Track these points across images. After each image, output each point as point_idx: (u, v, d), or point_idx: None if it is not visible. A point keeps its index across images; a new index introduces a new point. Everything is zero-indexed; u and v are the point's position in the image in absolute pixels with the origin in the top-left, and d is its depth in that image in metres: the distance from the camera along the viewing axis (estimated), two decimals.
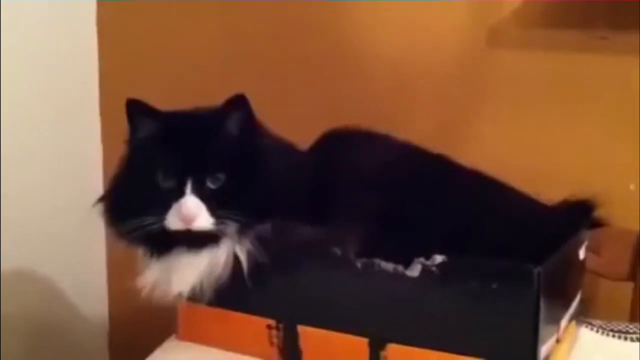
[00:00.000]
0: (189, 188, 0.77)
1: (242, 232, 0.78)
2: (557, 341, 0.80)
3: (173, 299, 0.82)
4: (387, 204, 0.83)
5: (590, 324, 0.95)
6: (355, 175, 0.87)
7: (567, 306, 0.85)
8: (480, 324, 0.72)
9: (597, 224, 0.89)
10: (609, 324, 0.95)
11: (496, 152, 1.27)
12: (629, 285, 1.16)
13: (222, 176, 0.79)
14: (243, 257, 0.79)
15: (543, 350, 0.73)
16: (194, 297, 0.81)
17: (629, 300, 1.15)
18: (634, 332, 0.94)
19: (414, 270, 0.74)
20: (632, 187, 1.26)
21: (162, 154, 0.79)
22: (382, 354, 0.77)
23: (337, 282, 0.79)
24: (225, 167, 0.79)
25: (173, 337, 0.91)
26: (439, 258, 0.73)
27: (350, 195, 0.85)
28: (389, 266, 0.75)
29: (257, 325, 0.83)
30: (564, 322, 0.83)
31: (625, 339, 0.92)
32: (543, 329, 0.72)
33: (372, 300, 0.77)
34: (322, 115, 0.99)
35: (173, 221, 0.77)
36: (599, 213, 0.88)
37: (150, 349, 0.89)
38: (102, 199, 0.84)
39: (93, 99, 1.46)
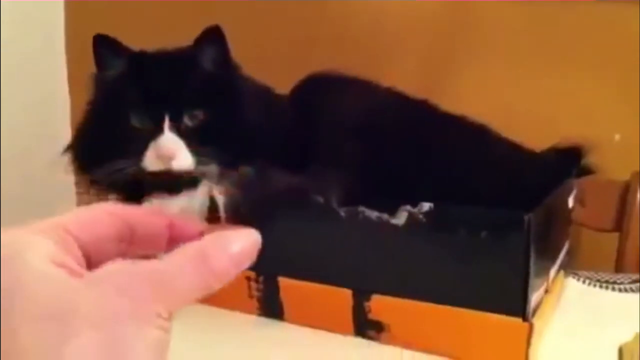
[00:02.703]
0: (166, 126, 0.73)
1: (223, 173, 0.74)
2: (546, 291, 0.78)
3: None
4: (370, 151, 0.80)
5: (577, 274, 0.93)
6: (337, 121, 0.84)
7: (555, 256, 0.82)
8: (469, 274, 0.70)
9: (585, 172, 0.86)
10: (595, 275, 0.94)
11: (482, 100, 1.24)
12: (614, 236, 1.14)
13: (200, 113, 0.75)
14: (221, 201, 0.75)
15: (533, 299, 0.71)
16: None
17: (614, 251, 1.13)
18: (621, 283, 0.92)
19: (400, 219, 0.71)
20: (617, 137, 1.24)
21: (134, 93, 0.75)
22: (367, 304, 0.74)
23: (319, 231, 0.75)
24: (204, 103, 0.75)
25: None
26: (426, 206, 0.70)
27: (333, 142, 0.82)
28: (373, 214, 0.72)
29: (236, 277, 0.79)
30: (552, 272, 0.81)
31: (612, 289, 0.91)
32: (533, 279, 0.69)
33: (355, 250, 0.74)
34: (300, 61, 0.94)
35: (151, 162, 0.73)
36: (587, 161, 0.86)
37: None
38: (70, 147, 0.80)
39: (59, 43, 1.40)
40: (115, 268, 0.31)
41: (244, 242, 0.35)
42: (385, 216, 0.71)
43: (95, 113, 0.79)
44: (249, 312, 0.79)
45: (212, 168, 0.74)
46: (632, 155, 1.15)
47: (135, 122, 0.75)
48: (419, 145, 0.82)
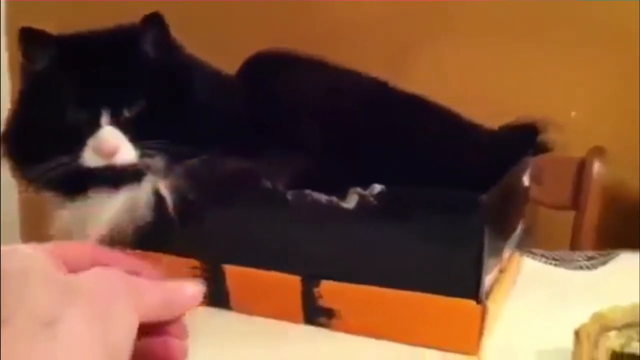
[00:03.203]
0: (105, 119, 0.69)
1: (169, 165, 0.70)
2: (501, 271, 0.76)
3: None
4: (321, 133, 0.77)
5: (533, 253, 0.92)
6: (287, 102, 0.80)
7: (510, 235, 0.81)
8: (421, 257, 0.67)
9: (542, 149, 0.84)
10: (551, 253, 0.93)
11: (439, 80, 1.21)
12: (569, 214, 1.13)
13: (141, 103, 0.70)
14: (168, 194, 0.71)
15: (487, 280, 0.69)
16: (113, 241, 0.72)
17: (569, 229, 1.13)
18: (577, 260, 0.91)
19: (350, 202, 0.68)
20: (573, 114, 1.23)
21: (68, 84, 0.70)
22: (316, 291, 0.71)
23: (266, 217, 0.72)
24: (145, 92, 0.71)
25: None
26: (377, 187, 0.67)
27: (283, 124, 0.78)
28: (322, 197, 0.69)
29: (181, 267, 0.76)
30: (507, 252, 0.79)
31: (568, 267, 0.90)
32: (487, 260, 0.67)
33: (304, 235, 0.71)
34: (247, 39, 0.91)
35: (90, 158, 0.69)
36: (543, 138, 0.84)
37: None
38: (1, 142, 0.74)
39: None
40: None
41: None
42: (334, 199, 0.68)
43: (26, 107, 0.74)
44: None
45: (158, 161, 0.70)
46: (588, 132, 1.14)
47: (70, 116, 0.70)
48: (371, 125, 0.79)
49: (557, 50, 1.22)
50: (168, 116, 0.71)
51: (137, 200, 0.71)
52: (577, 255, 0.93)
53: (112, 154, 0.68)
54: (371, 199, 0.67)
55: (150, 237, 0.73)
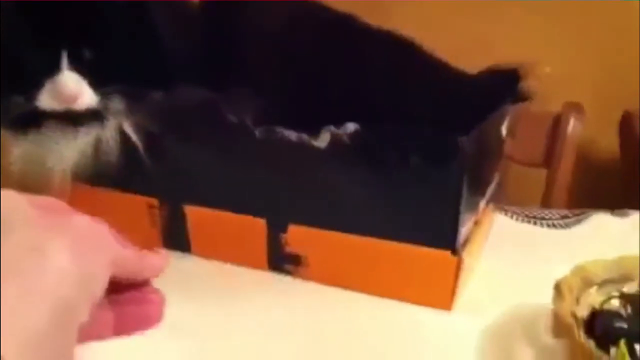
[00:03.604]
0: (64, 61, 0.63)
1: (130, 106, 0.66)
2: (476, 223, 0.72)
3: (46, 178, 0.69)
4: (289, 70, 0.72)
5: (505, 209, 0.89)
6: (253, 38, 0.75)
7: (486, 187, 0.77)
8: (395, 202, 0.63)
9: (521, 97, 0.80)
10: (523, 210, 0.90)
11: (413, 16, 1.16)
12: (540, 171, 1.10)
13: (101, 43, 0.65)
14: (132, 133, 0.66)
15: (463, 231, 0.65)
16: (74, 177, 0.68)
17: (540, 186, 1.10)
18: (549, 218, 0.88)
19: (322, 141, 0.63)
20: (547, 69, 1.19)
21: (24, 23, 0.64)
22: (283, 236, 0.67)
23: (231, 154, 0.67)
24: (104, 31, 0.65)
25: None
26: (351, 127, 0.62)
27: (248, 60, 0.73)
28: (292, 135, 0.64)
29: (137, 205, 0.71)
30: (482, 204, 0.75)
31: (542, 225, 0.87)
32: (464, 210, 0.64)
33: (272, 175, 0.66)
34: None
35: (47, 101, 0.64)
36: (523, 85, 0.80)
37: None
38: None
39: None
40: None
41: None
42: (305, 137, 0.63)
43: None
44: (151, 244, 0.71)
45: (117, 102, 0.65)
46: (565, 88, 1.11)
47: (28, 55, 0.64)
48: (343, 64, 0.74)
49: (539, 2, 1.18)
50: (128, 56, 0.66)
51: (101, 139, 0.67)
52: (549, 213, 0.90)
53: (72, 101, 0.64)
54: (344, 138, 0.62)
55: (110, 174, 0.68)
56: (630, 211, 0.88)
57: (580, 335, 0.53)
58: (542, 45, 1.18)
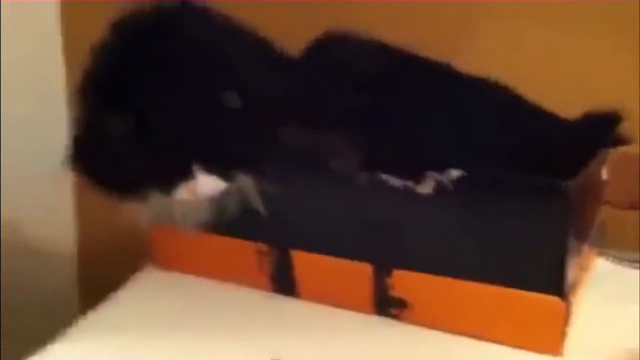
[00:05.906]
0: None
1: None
2: (580, 268, 0.72)
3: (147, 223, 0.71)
4: (390, 115, 0.74)
5: (605, 253, 0.87)
6: (352, 83, 0.77)
7: (588, 231, 0.76)
8: (500, 247, 0.64)
9: (620, 141, 0.80)
10: (623, 254, 0.88)
11: (498, 63, 1.16)
12: (634, 214, 1.08)
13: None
14: (254, 193, 0.68)
15: (570, 276, 0.65)
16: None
17: (636, 229, 1.07)
18: None
19: (426, 187, 0.65)
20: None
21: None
22: (388, 281, 0.68)
23: (336, 201, 0.69)
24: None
25: (148, 266, 0.81)
26: (455, 173, 0.64)
27: (348, 105, 0.75)
28: (396, 182, 0.66)
29: (246, 251, 0.73)
30: (585, 248, 0.75)
31: None
32: (570, 253, 0.64)
33: (376, 221, 0.68)
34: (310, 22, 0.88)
35: (180, 193, 0.65)
36: (621, 129, 0.79)
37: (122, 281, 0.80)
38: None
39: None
40: None
41: None
42: (410, 184, 0.65)
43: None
44: (260, 288, 0.74)
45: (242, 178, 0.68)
46: None
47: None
48: (442, 109, 0.75)
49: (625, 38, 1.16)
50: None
51: (226, 205, 0.68)
52: None
53: (207, 195, 0.66)
54: (448, 184, 0.64)
55: (220, 222, 0.69)
56: None
57: None
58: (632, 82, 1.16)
